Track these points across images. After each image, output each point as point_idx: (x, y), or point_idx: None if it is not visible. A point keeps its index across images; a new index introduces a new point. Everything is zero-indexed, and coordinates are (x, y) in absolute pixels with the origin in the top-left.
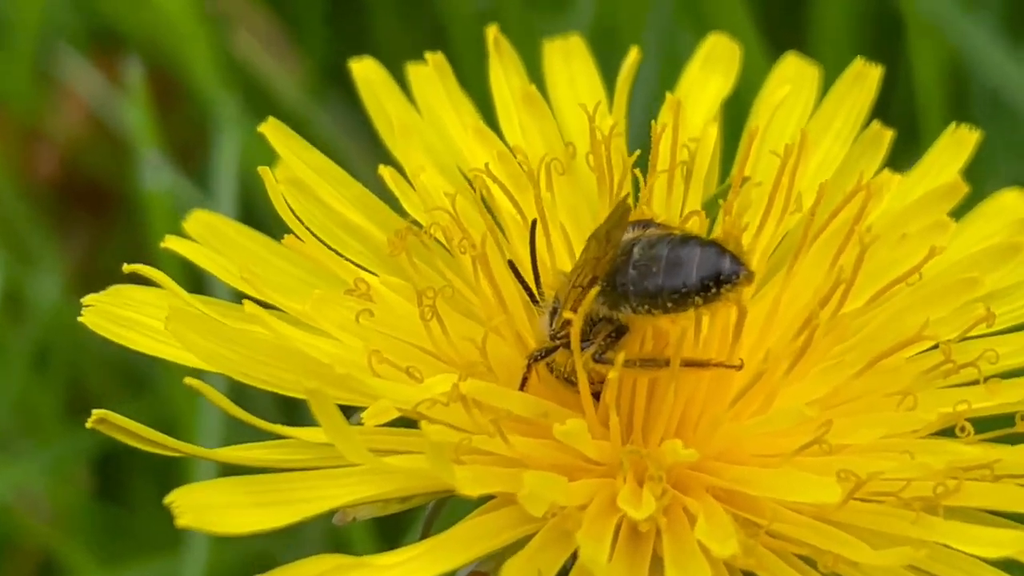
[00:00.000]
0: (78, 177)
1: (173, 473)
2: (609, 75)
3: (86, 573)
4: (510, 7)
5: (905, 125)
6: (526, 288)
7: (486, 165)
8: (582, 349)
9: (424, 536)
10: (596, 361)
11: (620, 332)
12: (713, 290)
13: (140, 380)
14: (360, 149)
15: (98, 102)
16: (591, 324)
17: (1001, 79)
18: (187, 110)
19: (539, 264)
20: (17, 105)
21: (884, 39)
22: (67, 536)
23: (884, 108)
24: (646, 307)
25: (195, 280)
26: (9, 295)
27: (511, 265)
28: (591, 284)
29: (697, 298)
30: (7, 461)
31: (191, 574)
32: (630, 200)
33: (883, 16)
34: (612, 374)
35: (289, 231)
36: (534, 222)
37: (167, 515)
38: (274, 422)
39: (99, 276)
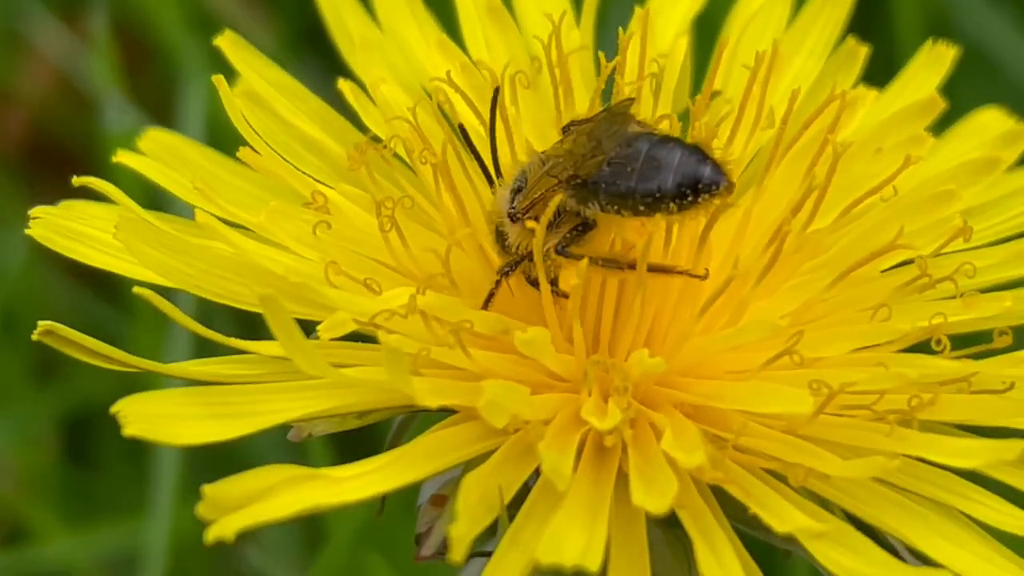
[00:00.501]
0: (46, 138)
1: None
2: None
3: (53, 536)
4: None
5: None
6: (483, 167)
7: (448, 74)
8: (545, 241)
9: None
10: (558, 253)
11: (586, 228)
12: (689, 197)
13: (108, 342)
14: None
15: (66, 63)
16: (556, 216)
17: (981, 32)
18: (157, 73)
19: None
20: None
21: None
22: (34, 500)
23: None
24: (616, 207)
25: (155, 205)
26: None
27: (463, 131)
28: (569, 181)
29: (672, 204)
30: None
31: (157, 535)
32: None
33: None
34: (575, 280)
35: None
36: (496, 91)
37: (134, 478)
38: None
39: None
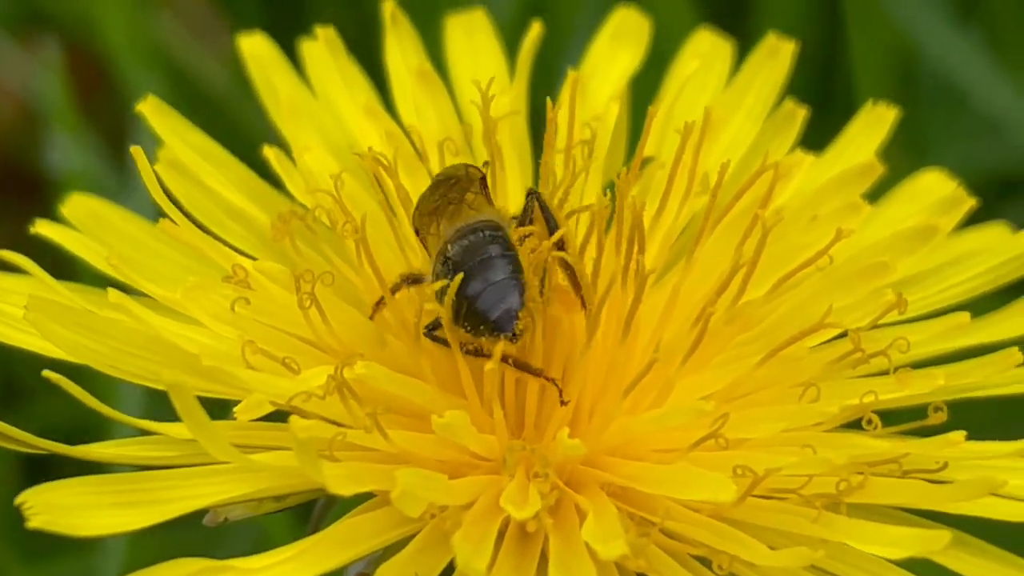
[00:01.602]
0: (7, 162)
1: (102, 467)
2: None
3: (11, 568)
4: None
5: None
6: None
7: (369, 148)
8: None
9: (312, 534)
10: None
11: None
12: (468, 326)
13: (68, 371)
14: None
15: (27, 86)
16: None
17: (948, 61)
18: (118, 97)
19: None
20: None
21: (832, 17)
22: None
23: (828, 87)
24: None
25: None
26: None
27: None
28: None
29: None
30: None
31: (111, 567)
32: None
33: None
34: (489, 366)
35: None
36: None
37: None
38: (150, 415)
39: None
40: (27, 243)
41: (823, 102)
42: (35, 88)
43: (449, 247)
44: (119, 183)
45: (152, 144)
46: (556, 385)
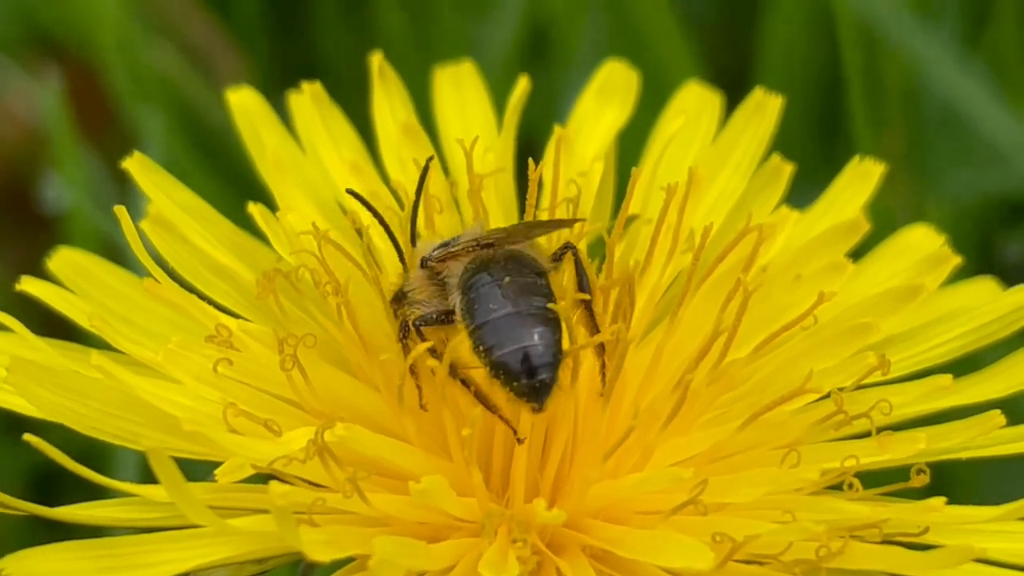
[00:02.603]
0: (15, 187)
1: (109, 493)
2: (538, 93)
3: None
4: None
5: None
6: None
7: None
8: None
9: None
10: (414, 326)
11: (448, 318)
12: (503, 378)
13: None
14: None
15: (34, 112)
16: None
17: (953, 90)
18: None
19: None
20: None
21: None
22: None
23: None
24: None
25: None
26: None
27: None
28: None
29: (491, 367)
30: None
31: None
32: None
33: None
34: (465, 431)
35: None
36: (425, 166)
37: (100, 531)
38: (144, 470)
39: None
40: (31, 266)
41: (829, 126)
42: (41, 114)
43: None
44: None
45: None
46: (510, 425)
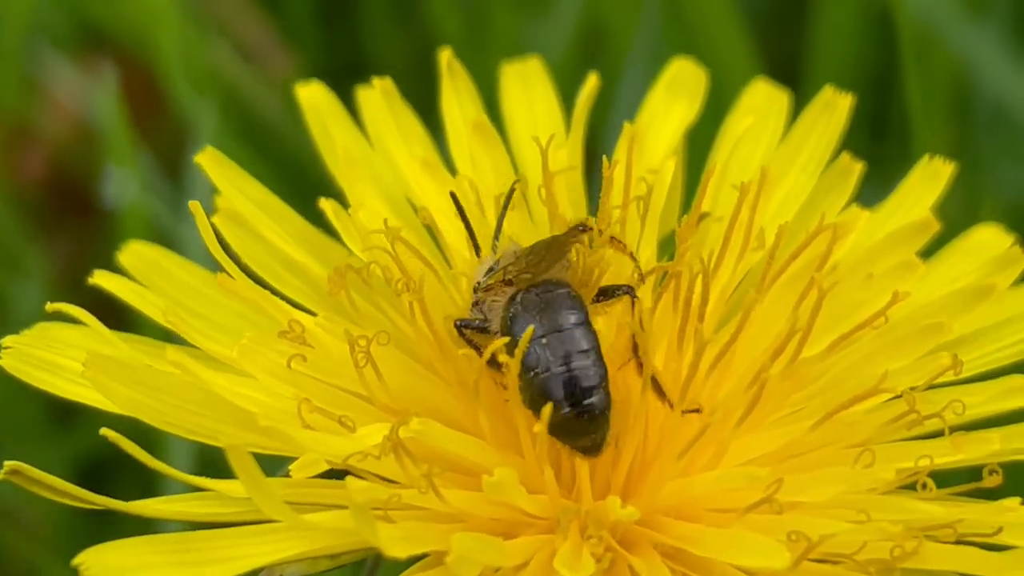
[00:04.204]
0: (65, 179)
1: (157, 483)
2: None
3: None
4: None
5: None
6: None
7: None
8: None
9: None
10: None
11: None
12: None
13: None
14: None
15: (84, 105)
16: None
17: (1004, 88)
18: (174, 117)
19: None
20: (4, 107)
21: (889, 44)
22: (47, 548)
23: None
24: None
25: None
26: None
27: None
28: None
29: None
30: None
31: None
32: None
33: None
34: (537, 427)
35: None
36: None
37: (147, 525)
38: (207, 465)
39: (85, 278)
40: (83, 260)
41: (880, 126)
42: (91, 106)
43: (523, 305)
44: (174, 210)
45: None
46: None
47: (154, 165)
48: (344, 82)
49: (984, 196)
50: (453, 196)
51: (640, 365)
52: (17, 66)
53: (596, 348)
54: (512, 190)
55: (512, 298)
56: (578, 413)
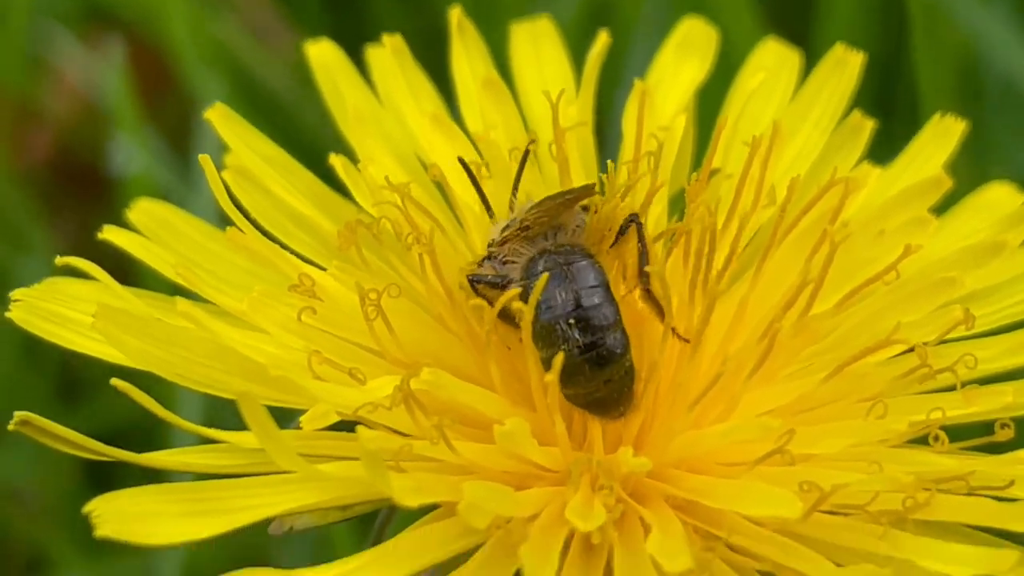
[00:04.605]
0: (71, 158)
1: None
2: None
3: (72, 565)
4: None
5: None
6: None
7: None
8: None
9: (376, 543)
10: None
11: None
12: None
13: (126, 376)
14: None
15: (90, 83)
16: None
17: (1014, 67)
18: (181, 93)
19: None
20: (10, 86)
21: (895, 24)
22: (53, 527)
23: (891, 90)
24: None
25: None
26: None
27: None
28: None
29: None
30: None
31: (172, 565)
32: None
33: (894, 11)
34: (549, 377)
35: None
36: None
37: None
38: (214, 422)
39: (91, 256)
40: (90, 239)
41: (886, 105)
42: (98, 84)
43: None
44: (182, 182)
45: (214, 145)
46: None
47: (162, 142)
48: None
49: (992, 175)
50: (462, 161)
51: (655, 306)
52: (23, 45)
53: (611, 298)
54: (527, 152)
55: (533, 259)
56: (597, 357)
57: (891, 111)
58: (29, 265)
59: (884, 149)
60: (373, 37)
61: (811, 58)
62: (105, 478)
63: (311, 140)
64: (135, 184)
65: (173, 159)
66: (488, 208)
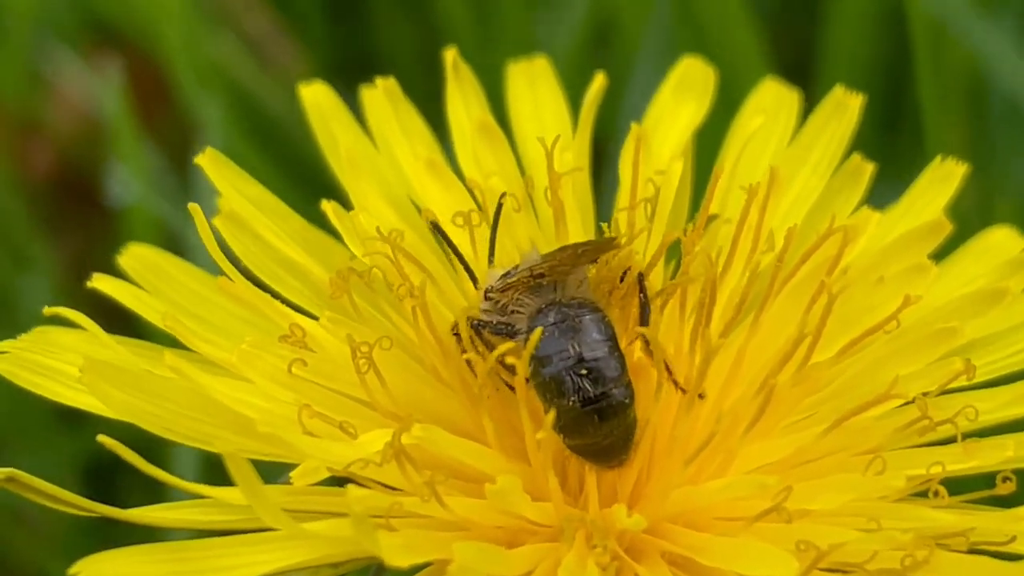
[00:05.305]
0: (72, 173)
1: (162, 485)
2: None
3: None
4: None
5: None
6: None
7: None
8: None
9: None
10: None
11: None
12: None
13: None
14: None
15: (91, 99)
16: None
17: (1019, 84)
18: (180, 111)
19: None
20: (12, 101)
21: (902, 33)
22: (54, 548)
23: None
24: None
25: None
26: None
27: (445, 238)
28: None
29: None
30: None
31: None
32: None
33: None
34: (540, 434)
35: None
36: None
37: (163, 536)
38: (205, 471)
39: (91, 274)
40: (88, 255)
41: (892, 119)
42: (99, 100)
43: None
44: (181, 201)
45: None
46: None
47: (161, 160)
48: (352, 76)
49: (998, 192)
50: (435, 225)
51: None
52: (24, 61)
53: (619, 352)
54: (500, 205)
55: (541, 310)
56: (606, 408)
57: (898, 126)
58: (30, 281)
59: (891, 166)
60: (375, 50)
61: (817, 74)
62: (105, 498)
63: (310, 159)
64: (134, 210)
65: (173, 178)
66: (462, 263)
